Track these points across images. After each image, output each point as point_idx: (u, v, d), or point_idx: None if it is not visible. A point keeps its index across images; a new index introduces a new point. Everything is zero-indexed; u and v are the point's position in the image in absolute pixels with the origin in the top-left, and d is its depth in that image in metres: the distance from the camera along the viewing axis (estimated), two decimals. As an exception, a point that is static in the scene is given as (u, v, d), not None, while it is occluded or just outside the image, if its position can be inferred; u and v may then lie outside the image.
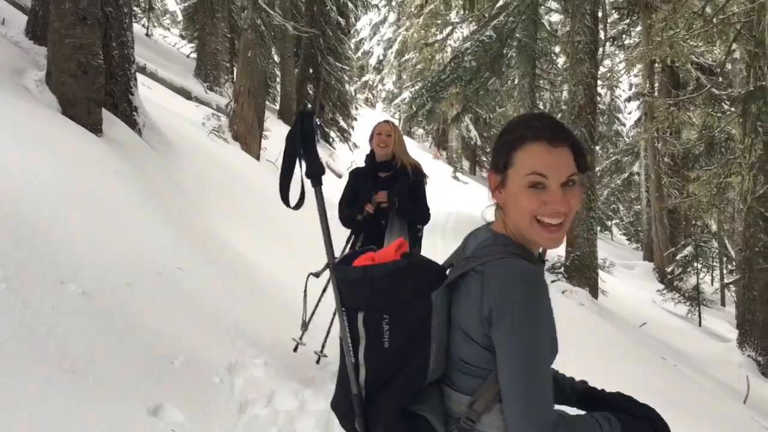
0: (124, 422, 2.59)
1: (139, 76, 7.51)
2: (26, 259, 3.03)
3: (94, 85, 5.65)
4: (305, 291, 3.92)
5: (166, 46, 21.99)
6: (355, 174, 4.29)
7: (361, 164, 4.32)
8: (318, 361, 4.21)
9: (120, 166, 5.15)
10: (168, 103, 11.49)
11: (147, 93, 9.67)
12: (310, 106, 20.70)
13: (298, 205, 1.80)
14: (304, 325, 3.73)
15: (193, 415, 2.91)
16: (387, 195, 3.97)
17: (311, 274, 3.52)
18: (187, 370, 3.23)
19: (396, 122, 4.43)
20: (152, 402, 2.82)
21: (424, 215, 4.14)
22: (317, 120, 17.82)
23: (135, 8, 15.13)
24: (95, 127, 5.63)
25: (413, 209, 4.06)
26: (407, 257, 1.49)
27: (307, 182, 1.80)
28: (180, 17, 25.34)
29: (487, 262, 1.39)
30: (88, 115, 5.57)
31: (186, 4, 21.52)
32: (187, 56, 21.03)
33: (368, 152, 4.23)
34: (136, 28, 7.08)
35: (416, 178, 4.08)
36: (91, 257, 3.48)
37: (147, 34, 20.53)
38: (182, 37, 24.82)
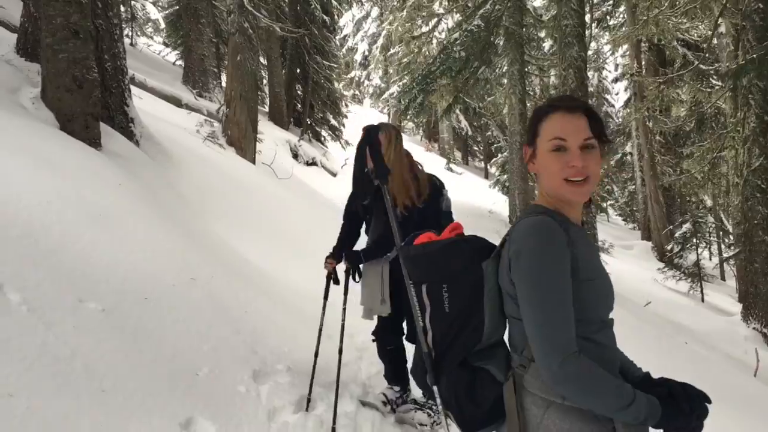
0: (158, 438, 2.57)
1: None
2: (43, 280, 2.99)
3: (90, 99, 5.58)
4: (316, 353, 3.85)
5: (151, 55, 21.86)
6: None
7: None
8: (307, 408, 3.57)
9: (123, 178, 5.10)
10: (159, 112, 11.41)
11: (138, 103, 9.59)
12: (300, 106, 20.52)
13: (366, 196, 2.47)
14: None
15: (224, 426, 2.89)
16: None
17: (386, 257, 3.63)
18: (213, 381, 3.20)
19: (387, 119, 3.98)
20: (183, 416, 2.80)
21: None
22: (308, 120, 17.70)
23: (118, 18, 14.99)
24: (94, 141, 5.58)
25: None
26: (459, 236, 1.78)
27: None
28: (163, 25, 25.12)
29: (514, 226, 1.60)
30: (86, 129, 5.51)
31: (168, 12, 21.39)
32: (173, 63, 20.91)
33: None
34: (123, 38, 7.03)
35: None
36: (106, 273, 3.44)
37: (131, 44, 20.41)
38: (166, 44, 24.66)
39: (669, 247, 19.20)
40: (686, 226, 18.62)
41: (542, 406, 1.52)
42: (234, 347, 3.69)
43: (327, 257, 3.92)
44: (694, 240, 18.30)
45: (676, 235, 19.01)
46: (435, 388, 1.76)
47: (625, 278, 14.46)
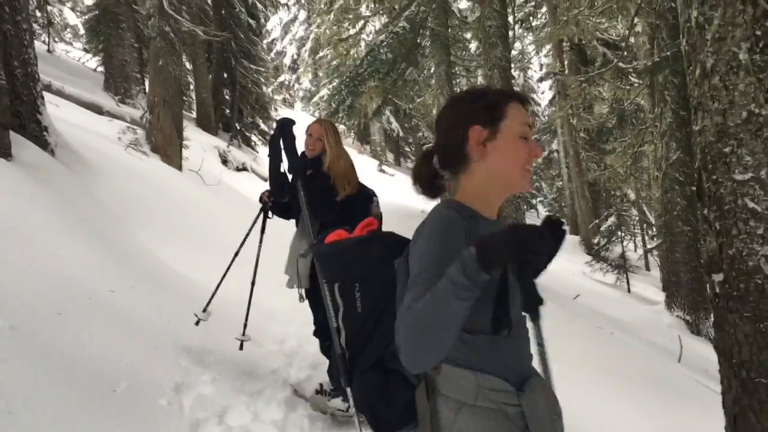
0: (71, 459, 2.46)
1: (46, 94, 7.15)
2: (-56, 299, 2.82)
3: (-2, 108, 5.34)
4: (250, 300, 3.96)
5: (70, 62, 21.12)
6: None
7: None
8: (241, 347, 4.26)
9: (35, 189, 4.89)
10: (79, 119, 11.03)
11: (55, 111, 9.24)
12: (226, 111, 20.21)
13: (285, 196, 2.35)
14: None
15: (143, 442, 2.79)
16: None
17: (300, 254, 3.61)
18: (132, 395, 3.08)
19: (333, 124, 3.94)
20: (99, 434, 2.68)
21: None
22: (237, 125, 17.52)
23: (33, 24, 14.39)
24: (4, 151, 5.31)
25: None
26: (371, 233, 1.73)
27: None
28: (82, 30, 24.32)
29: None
30: (-6, 139, 5.26)
31: (87, 17, 20.71)
32: (94, 70, 20.26)
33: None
34: (37, 44, 6.74)
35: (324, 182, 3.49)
36: (16, 289, 3.27)
37: (48, 51, 19.67)
38: (86, 50, 23.85)
39: (596, 241, 19.78)
40: (611, 220, 19.22)
41: (454, 409, 1.47)
42: (155, 360, 3.57)
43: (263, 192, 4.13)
44: (619, 233, 18.92)
45: (602, 228, 19.61)
46: (348, 389, 1.74)
47: (554, 273, 14.77)
